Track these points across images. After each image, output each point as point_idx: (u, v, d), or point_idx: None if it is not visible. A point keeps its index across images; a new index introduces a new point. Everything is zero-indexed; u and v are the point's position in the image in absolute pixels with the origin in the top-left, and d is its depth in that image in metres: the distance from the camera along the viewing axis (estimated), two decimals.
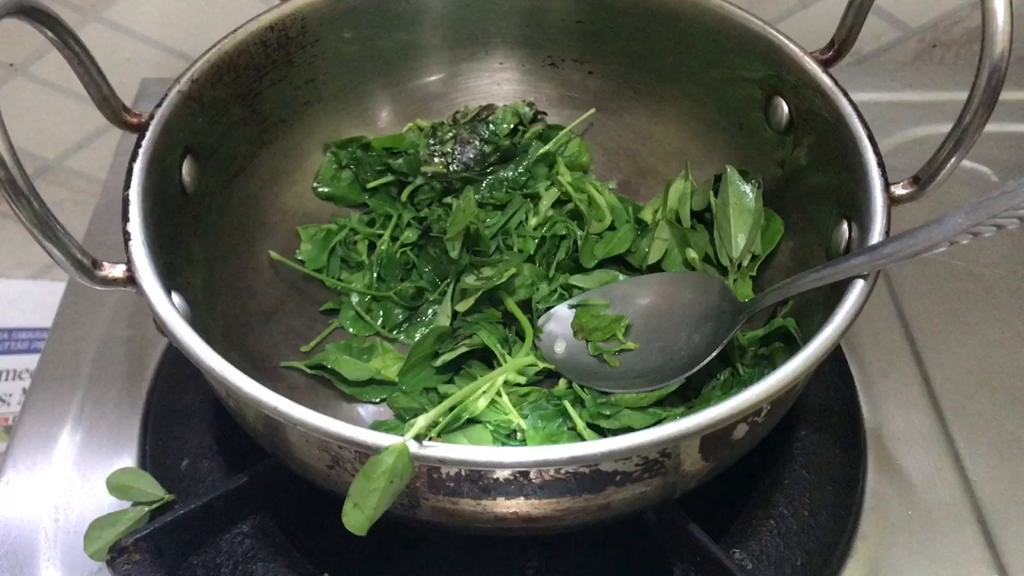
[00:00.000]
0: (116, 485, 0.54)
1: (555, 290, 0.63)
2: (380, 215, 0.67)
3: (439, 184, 0.67)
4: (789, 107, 0.58)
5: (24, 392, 0.89)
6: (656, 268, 0.63)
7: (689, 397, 0.56)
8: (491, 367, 0.59)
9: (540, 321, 0.61)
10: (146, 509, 0.53)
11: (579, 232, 0.65)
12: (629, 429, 0.53)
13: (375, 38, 0.64)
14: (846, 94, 0.53)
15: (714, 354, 0.53)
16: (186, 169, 0.54)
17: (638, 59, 0.66)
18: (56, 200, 0.94)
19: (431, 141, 0.67)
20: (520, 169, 0.68)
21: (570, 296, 0.62)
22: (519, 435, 0.55)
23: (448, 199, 0.67)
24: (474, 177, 0.67)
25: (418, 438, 0.40)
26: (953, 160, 0.47)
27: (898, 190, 0.49)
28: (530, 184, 0.68)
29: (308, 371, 0.59)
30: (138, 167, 0.49)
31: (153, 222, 0.48)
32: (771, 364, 0.54)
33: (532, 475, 0.41)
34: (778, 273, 0.60)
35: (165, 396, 0.61)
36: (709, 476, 0.47)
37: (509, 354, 0.59)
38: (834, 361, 0.62)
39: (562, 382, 0.58)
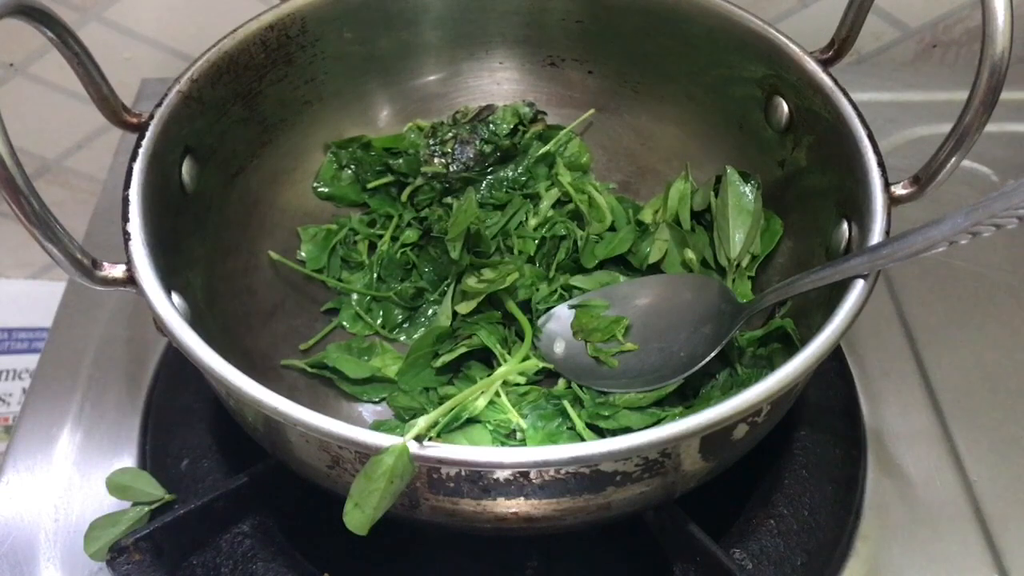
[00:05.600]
0: (116, 485, 0.54)
1: (555, 291, 0.63)
2: (380, 215, 0.67)
3: (439, 184, 0.67)
4: (789, 107, 0.58)
5: (24, 392, 0.89)
6: (656, 268, 0.63)
7: (688, 397, 0.56)
8: (491, 367, 0.59)
9: (540, 321, 0.61)
10: (146, 509, 0.53)
11: (579, 233, 0.65)
12: (628, 429, 0.53)
13: (375, 38, 0.64)
14: (846, 94, 0.53)
15: (713, 354, 0.53)
16: (186, 169, 0.54)
17: (638, 59, 0.66)
18: (56, 200, 0.94)
19: (431, 141, 0.67)
20: (520, 169, 0.68)
21: (570, 297, 0.62)
22: (519, 435, 0.55)
23: (448, 199, 0.67)
24: (474, 177, 0.67)
25: (418, 438, 0.40)
26: (953, 160, 0.47)
27: (898, 190, 0.49)
28: (530, 184, 0.68)
29: (309, 370, 0.59)
30: (138, 167, 0.49)
31: (153, 222, 0.48)
32: (769, 364, 0.54)
33: (532, 475, 0.41)
34: (778, 273, 0.60)
35: (165, 396, 0.61)
36: (709, 476, 0.47)
37: (509, 354, 0.59)
38: (834, 361, 0.62)
39: (561, 382, 0.59)
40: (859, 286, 0.45)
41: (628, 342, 0.58)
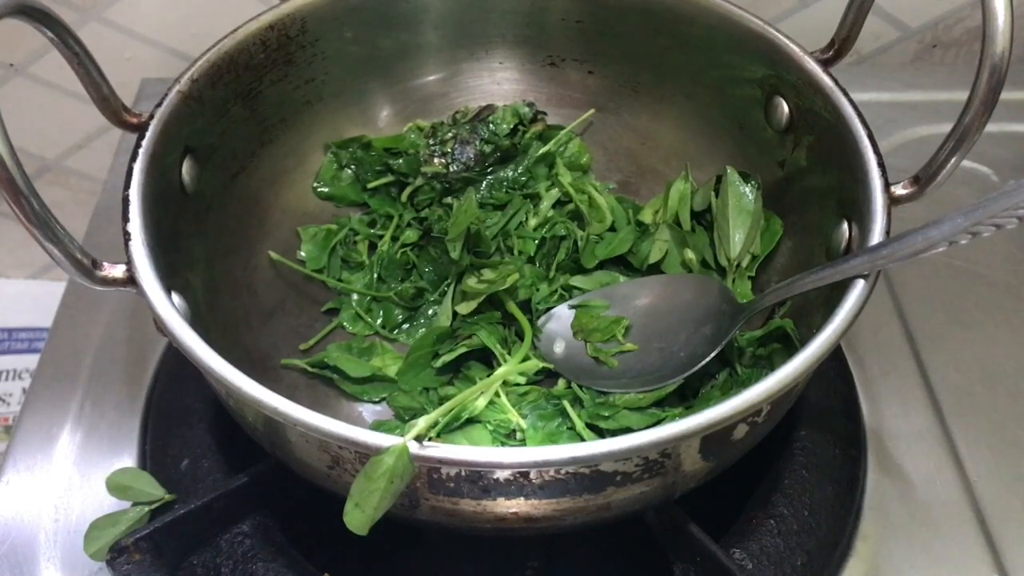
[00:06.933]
0: (116, 485, 0.54)
1: (555, 291, 0.63)
2: (380, 215, 0.67)
3: (439, 184, 0.67)
4: (789, 107, 0.58)
5: (24, 392, 0.89)
6: (656, 269, 0.63)
7: (688, 397, 0.56)
8: (491, 367, 0.59)
9: (540, 321, 0.61)
10: (146, 509, 0.53)
11: (579, 233, 0.65)
12: (628, 429, 0.53)
13: (375, 38, 0.64)
14: (846, 94, 0.53)
15: (713, 355, 0.53)
16: (186, 169, 0.54)
17: (638, 59, 0.66)
18: (56, 200, 0.94)
19: (431, 141, 0.67)
20: (520, 169, 0.68)
21: (570, 297, 0.62)
22: (518, 435, 0.55)
23: (448, 199, 0.67)
24: (474, 177, 0.67)
25: (418, 438, 0.40)
26: (953, 160, 0.47)
27: (898, 190, 0.49)
28: (530, 184, 0.68)
29: (310, 370, 0.59)
30: (138, 167, 0.49)
31: (153, 222, 0.48)
32: (769, 365, 0.54)
33: (532, 475, 0.41)
34: (778, 273, 0.60)
35: (165, 396, 0.61)
36: (709, 476, 0.47)
37: (509, 354, 0.59)
38: (834, 361, 0.62)
39: (561, 382, 0.58)
40: (859, 286, 0.45)
41: (628, 342, 0.58)
